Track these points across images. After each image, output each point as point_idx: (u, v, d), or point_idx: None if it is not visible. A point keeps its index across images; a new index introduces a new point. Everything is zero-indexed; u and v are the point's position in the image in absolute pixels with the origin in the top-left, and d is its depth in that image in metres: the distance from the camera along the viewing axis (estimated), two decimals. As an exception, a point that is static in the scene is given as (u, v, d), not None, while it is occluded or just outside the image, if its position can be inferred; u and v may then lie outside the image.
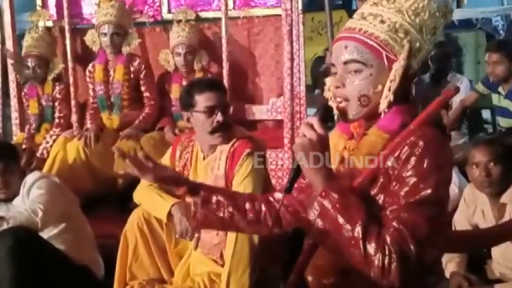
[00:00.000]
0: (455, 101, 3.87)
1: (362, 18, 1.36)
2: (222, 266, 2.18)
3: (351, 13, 7.24)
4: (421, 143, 1.25)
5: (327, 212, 1.25)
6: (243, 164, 2.15)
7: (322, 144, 1.27)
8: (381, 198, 1.31)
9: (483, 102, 4.07)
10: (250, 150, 2.17)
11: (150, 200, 2.34)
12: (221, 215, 1.54)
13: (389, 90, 1.32)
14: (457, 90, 1.38)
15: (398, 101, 1.34)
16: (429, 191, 1.23)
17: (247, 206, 1.56)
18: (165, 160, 2.43)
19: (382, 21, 1.33)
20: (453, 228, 2.47)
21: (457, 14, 6.46)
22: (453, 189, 2.55)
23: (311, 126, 1.28)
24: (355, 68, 1.33)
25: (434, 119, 1.33)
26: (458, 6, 8.98)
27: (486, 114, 4.69)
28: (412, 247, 1.20)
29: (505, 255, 2.32)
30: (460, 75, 4.14)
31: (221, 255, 2.21)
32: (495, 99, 3.75)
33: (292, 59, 3.21)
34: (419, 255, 1.21)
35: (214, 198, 1.54)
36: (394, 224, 1.22)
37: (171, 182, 1.56)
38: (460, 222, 2.48)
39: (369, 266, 1.21)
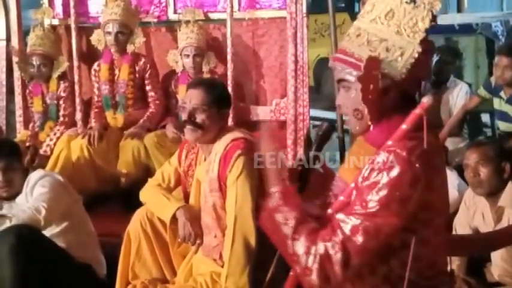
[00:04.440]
0: (457, 106, 3.89)
1: (347, 35, 1.38)
2: (222, 266, 2.21)
3: (353, 16, 7.26)
4: (382, 159, 1.25)
5: (269, 213, 1.31)
6: (234, 165, 2.16)
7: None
8: None
9: (482, 106, 4.08)
10: (241, 151, 2.17)
11: (156, 201, 2.36)
12: None
13: (365, 105, 1.31)
14: (429, 101, 1.29)
15: (394, 110, 1.33)
16: (377, 207, 1.23)
17: None
18: (174, 159, 2.46)
19: (358, 35, 1.34)
20: (454, 231, 2.51)
21: (458, 19, 6.49)
22: (453, 192, 2.59)
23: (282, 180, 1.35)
24: (344, 86, 1.37)
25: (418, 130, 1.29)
26: (459, 11, 9.05)
27: (485, 117, 4.71)
28: (339, 253, 1.23)
29: (504, 258, 2.35)
30: (460, 81, 4.13)
31: (220, 256, 2.23)
32: (496, 103, 3.76)
33: (296, 61, 3.22)
34: (347, 262, 1.23)
35: None
36: (333, 225, 1.26)
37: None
38: (461, 224, 2.51)
39: (295, 263, 1.26)
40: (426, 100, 1.29)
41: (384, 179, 1.23)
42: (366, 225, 1.23)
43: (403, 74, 1.31)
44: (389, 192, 1.23)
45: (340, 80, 1.37)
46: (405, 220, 1.26)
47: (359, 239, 1.22)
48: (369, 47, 1.31)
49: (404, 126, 1.29)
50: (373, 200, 1.23)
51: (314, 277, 1.23)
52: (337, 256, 1.22)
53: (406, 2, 1.30)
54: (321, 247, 1.23)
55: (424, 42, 1.30)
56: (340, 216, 1.26)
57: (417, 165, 1.25)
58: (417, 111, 1.29)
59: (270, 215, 1.31)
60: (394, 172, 1.23)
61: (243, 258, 2.12)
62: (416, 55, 1.29)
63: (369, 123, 1.33)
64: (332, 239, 1.23)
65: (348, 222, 1.24)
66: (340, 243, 1.22)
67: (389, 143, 1.28)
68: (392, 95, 1.32)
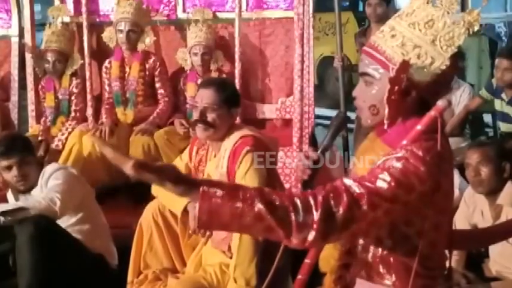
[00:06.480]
0: (460, 107, 3.96)
1: (381, 31, 1.40)
2: (231, 257, 2.28)
3: (357, 14, 7.34)
4: (399, 154, 1.29)
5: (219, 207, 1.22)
6: (243, 161, 2.24)
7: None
8: None
9: (485, 107, 4.15)
10: (249, 147, 2.25)
11: (168, 194, 2.41)
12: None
13: (387, 105, 1.35)
14: (448, 104, 1.36)
15: (411, 113, 1.37)
16: (384, 188, 1.26)
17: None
18: (185, 155, 2.54)
19: (393, 36, 1.37)
20: (453, 227, 2.58)
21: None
22: (454, 191, 2.67)
23: None
24: (367, 80, 1.40)
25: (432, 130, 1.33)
26: (463, 11, 9.07)
27: (487, 118, 4.78)
28: (343, 211, 1.23)
29: (502, 254, 2.42)
30: (463, 82, 4.18)
31: (229, 248, 2.31)
32: (498, 104, 3.81)
33: (302, 61, 3.29)
34: (347, 223, 1.24)
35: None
36: (338, 188, 1.26)
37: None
38: (460, 221, 2.58)
39: (278, 227, 1.23)
40: (441, 103, 1.34)
41: (398, 166, 1.28)
42: (370, 197, 1.26)
43: (426, 81, 1.35)
44: (399, 177, 1.27)
45: (363, 74, 1.41)
46: (405, 207, 1.30)
47: (364, 206, 1.26)
48: (401, 50, 1.35)
49: (419, 127, 1.33)
50: (384, 179, 1.27)
51: (311, 230, 1.23)
52: (339, 214, 1.24)
53: (448, 16, 1.35)
54: (325, 203, 1.24)
55: (452, 57, 1.36)
56: (347, 181, 1.29)
57: (431, 164, 1.30)
58: (432, 113, 1.34)
59: (220, 208, 1.22)
60: (409, 164, 1.29)
61: (251, 249, 2.19)
62: (444, 67, 1.35)
63: (385, 121, 1.37)
64: (336, 198, 1.25)
65: (354, 189, 1.27)
66: (346, 203, 1.24)
67: (404, 142, 1.32)
68: (411, 98, 1.36)
